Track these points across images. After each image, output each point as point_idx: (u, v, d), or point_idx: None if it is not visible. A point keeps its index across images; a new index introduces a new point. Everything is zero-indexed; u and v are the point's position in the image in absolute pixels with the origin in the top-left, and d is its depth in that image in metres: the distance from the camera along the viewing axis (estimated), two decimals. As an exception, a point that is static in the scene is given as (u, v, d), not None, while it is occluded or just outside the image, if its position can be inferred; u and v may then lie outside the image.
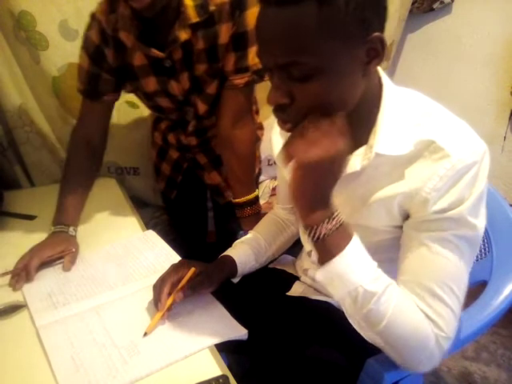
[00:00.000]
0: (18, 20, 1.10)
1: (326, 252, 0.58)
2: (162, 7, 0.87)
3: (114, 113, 1.31)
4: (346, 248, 0.57)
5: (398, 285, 0.62)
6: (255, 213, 1.11)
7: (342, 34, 0.52)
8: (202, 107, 1.07)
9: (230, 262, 0.84)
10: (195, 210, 1.39)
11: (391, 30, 1.64)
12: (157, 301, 0.74)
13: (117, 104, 1.27)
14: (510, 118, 1.57)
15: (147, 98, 1.06)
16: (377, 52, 0.55)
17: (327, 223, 0.57)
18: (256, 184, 1.29)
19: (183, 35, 0.92)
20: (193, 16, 0.91)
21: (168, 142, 1.22)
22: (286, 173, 0.80)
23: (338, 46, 0.53)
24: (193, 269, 0.75)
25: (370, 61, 0.56)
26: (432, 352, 0.60)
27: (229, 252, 0.87)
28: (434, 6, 1.60)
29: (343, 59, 0.54)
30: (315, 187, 0.57)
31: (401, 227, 0.65)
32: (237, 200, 1.11)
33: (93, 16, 0.96)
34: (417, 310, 0.60)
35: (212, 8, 0.91)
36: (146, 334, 0.70)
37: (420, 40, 1.72)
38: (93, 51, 0.97)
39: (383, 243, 0.68)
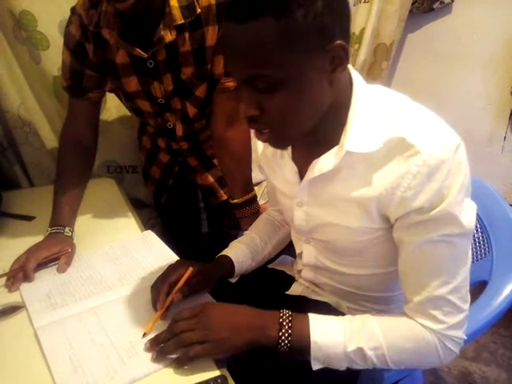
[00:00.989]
0: (19, 20, 1.10)
1: (302, 347, 0.64)
2: (145, 7, 0.86)
3: (114, 112, 1.31)
4: (311, 335, 0.64)
5: (402, 289, 0.66)
6: (254, 212, 1.11)
7: (302, 45, 0.53)
8: (191, 110, 1.06)
9: (228, 261, 0.85)
10: (188, 211, 1.39)
11: (391, 30, 1.64)
12: (155, 301, 0.74)
13: (115, 103, 1.27)
14: (510, 118, 1.57)
15: (127, 98, 1.05)
16: (340, 60, 0.56)
17: (281, 325, 0.65)
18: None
19: (168, 36, 0.91)
20: (178, 17, 0.90)
21: (158, 145, 1.20)
22: (269, 174, 0.81)
23: (300, 57, 0.54)
24: (190, 269, 0.75)
25: (334, 68, 0.57)
26: (444, 344, 0.63)
27: (226, 252, 0.87)
28: (434, 5, 1.60)
29: (306, 69, 0.55)
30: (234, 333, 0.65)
31: (381, 229, 0.66)
32: (235, 201, 1.10)
33: (73, 10, 0.95)
34: (402, 324, 0.65)
35: (198, 10, 0.90)
36: (145, 335, 0.70)
37: (420, 40, 1.72)
38: (74, 46, 0.95)
39: (364, 243, 0.69)
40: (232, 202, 1.12)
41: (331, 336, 0.64)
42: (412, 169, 0.57)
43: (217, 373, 0.64)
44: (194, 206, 1.40)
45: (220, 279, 0.82)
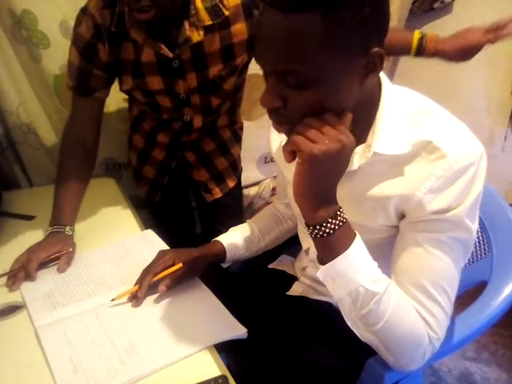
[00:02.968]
0: (20, 19, 1.10)
1: (329, 250, 0.58)
2: (166, 12, 0.87)
3: (112, 109, 1.31)
4: (350, 247, 0.57)
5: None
6: None
7: (343, 47, 0.52)
8: (215, 102, 1.08)
9: (219, 248, 0.87)
10: (182, 210, 1.39)
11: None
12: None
13: (114, 101, 1.27)
14: (510, 118, 1.58)
15: (147, 95, 1.05)
16: (375, 66, 0.55)
17: (331, 221, 0.57)
18: (239, 181, 1.31)
19: (196, 36, 0.93)
20: (206, 19, 0.92)
21: (154, 142, 1.20)
22: (283, 169, 0.81)
23: (338, 58, 0.53)
24: (180, 265, 0.79)
25: (367, 74, 0.56)
26: (425, 351, 0.62)
27: (221, 238, 0.89)
28: (435, 5, 1.60)
29: (341, 71, 0.54)
30: (320, 183, 0.56)
31: (395, 227, 0.66)
32: None
33: (84, 11, 0.95)
34: (413, 310, 0.61)
35: (226, 13, 0.92)
36: (113, 300, 0.77)
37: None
38: (84, 47, 0.96)
39: (378, 242, 0.69)
40: None
41: (364, 263, 0.59)
42: (436, 171, 0.57)
43: (218, 373, 0.64)
44: (187, 205, 1.41)
45: (207, 267, 0.85)
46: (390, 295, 0.59)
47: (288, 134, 0.63)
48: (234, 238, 0.90)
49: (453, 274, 0.61)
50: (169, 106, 1.06)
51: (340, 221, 0.58)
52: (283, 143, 0.75)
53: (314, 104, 0.55)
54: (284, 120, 0.59)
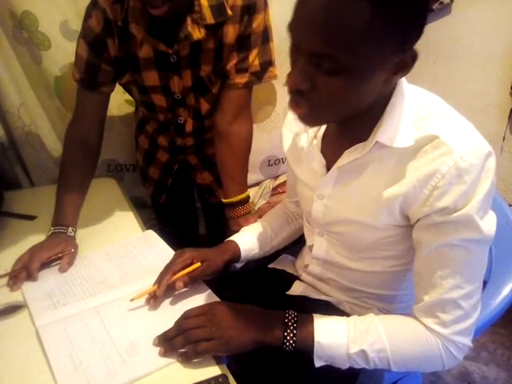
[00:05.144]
0: (21, 20, 1.10)
1: (306, 346, 0.65)
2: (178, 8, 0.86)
3: (114, 111, 1.32)
4: (314, 336, 0.65)
5: (415, 289, 0.67)
6: (246, 212, 1.09)
7: (384, 40, 0.52)
8: (204, 107, 1.07)
9: (234, 247, 0.87)
10: (186, 212, 1.40)
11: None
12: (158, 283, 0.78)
13: (117, 102, 1.27)
14: (509, 119, 1.58)
15: (143, 92, 1.04)
16: (406, 66, 0.56)
17: (286, 326, 0.66)
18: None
19: (197, 34, 0.92)
20: (208, 17, 0.91)
21: (157, 144, 1.20)
22: (294, 167, 0.81)
23: (376, 51, 0.52)
24: (198, 264, 0.79)
25: (396, 72, 0.56)
26: (447, 351, 0.63)
27: (235, 237, 0.89)
28: (434, 6, 1.60)
29: (376, 64, 0.54)
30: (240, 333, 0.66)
31: (400, 227, 0.66)
32: (228, 199, 1.09)
33: (94, 3, 0.93)
34: (406, 324, 0.66)
35: (230, 12, 0.92)
36: (132, 300, 0.77)
37: (419, 40, 1.72)
38: (93, 40, 0.94)
39: (381, 241, 0.69)
40: (225, 200, 1.10)
41: (335, 337, 0.65)
42: (442, 168, 0.57)
43: (218, 372, 0.65)
44: (191, 206, 1.41)
45: (223, 266, 0.85)
46: (379, 337, 0.63)
47: (302, 118, 0.62)
48: (248, 238, 0.90)
49: (471, 272, 0.61)
50: (164, 106, 1.06)
51: (292, 318, 0.67)
52: (297, 138, 0.76)
53: (340, 92, 0.55)
54: (304, 103, 0.58)
